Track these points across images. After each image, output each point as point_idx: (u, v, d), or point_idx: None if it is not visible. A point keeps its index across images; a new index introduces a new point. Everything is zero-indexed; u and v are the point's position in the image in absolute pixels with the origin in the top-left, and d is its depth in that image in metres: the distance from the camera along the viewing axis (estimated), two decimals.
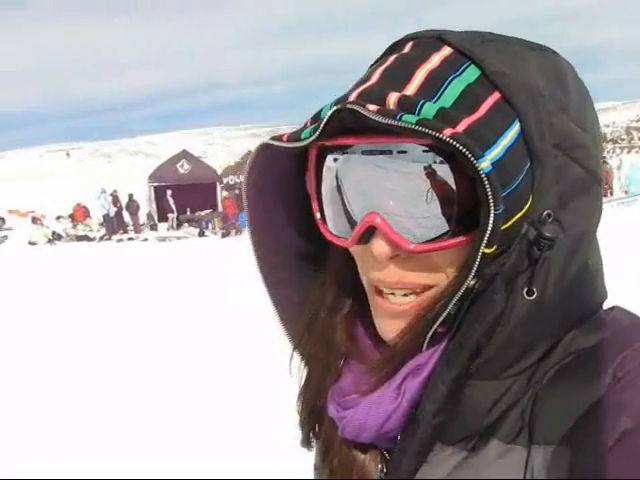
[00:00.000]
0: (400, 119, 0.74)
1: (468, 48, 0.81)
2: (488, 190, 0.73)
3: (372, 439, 0.89)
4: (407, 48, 0.86)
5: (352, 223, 0.85)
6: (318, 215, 0.90)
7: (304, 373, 1.01)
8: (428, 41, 0.85)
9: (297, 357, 1.02)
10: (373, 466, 0.93)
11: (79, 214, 34.25)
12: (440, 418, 0.81)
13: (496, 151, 0.76)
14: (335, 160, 0.85)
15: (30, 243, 28.09)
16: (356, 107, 0.77)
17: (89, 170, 63.89)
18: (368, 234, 0.82)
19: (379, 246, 0.81)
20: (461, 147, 0.72)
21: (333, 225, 0.88)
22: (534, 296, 0.79)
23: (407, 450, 0.85)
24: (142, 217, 34.44)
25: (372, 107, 0.76)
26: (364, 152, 0.81)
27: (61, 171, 61.72)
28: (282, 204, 0.99)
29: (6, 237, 29.43)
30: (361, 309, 0.95)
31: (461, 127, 0.75)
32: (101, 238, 30.44)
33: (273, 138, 0.89)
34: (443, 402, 0.80)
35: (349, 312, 0.98)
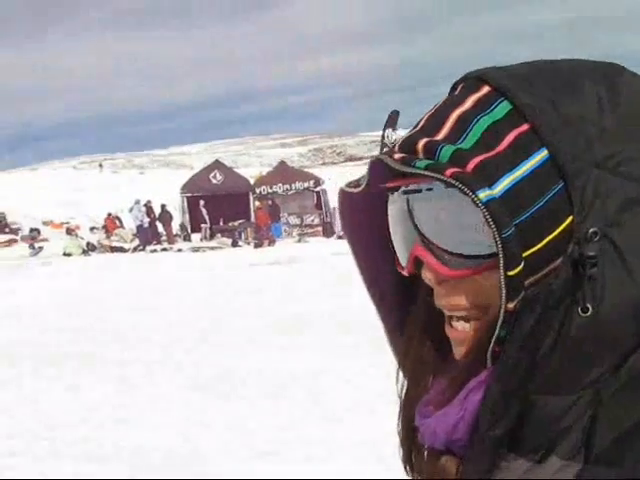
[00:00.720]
0: (414, 166, 0.82)
1: (506, 85, 0.84)
2: (488, 217, 0.78)
3: (444, 445, 0.93)
4: (457, 90, 0.91)
5: (407, 255, 0.93)
6: (392, 247, 0.98)
7: (404, 391, 1.06)
8: (471, 82, 0.89)
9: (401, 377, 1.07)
10: (452, 470, 0.95)
11: (111, 225, 34.63)
12: (497, 429, 0.84)
13: (510, 179, 0.81)
14: (389, 199, 0.94)
15: (65, 254, 28.42)
16: (384, 158, 0.87)
17: (122, 181, 64.48)
18: (419, 264, 0.91)
19: (426, 273, 0.90)
20: (457, 183, 0.79)
21: (400, 257, 0.96)
22: (589, 313, 0.79)
23: (472, 459, 0.89)
24: (175, 228, 34.82)
25: (397, 156, 0.85)
26: (404, 192, 0.90)
27: (94, 182, 62.29)
28: (375, 239, 1.04)
29: (41, 248, 29.78)
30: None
31: (470, 165, 0.81)
32: (135, 249, 30.75)
33: (347, 185, 0.99)
34: (495, 416, 0.83)
35: (438, 332, 1.00)
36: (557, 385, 0.82)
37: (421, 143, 0.85)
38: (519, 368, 0.82)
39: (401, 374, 1.07)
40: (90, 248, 30.08)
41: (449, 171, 0.79)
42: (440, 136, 0.85)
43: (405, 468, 1.09)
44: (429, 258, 0.88)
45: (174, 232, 34.20)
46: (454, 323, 0.92)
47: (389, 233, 1.00)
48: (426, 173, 0.81)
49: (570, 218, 0.80)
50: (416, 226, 0.90)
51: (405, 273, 0.94)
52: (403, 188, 0.90)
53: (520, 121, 0.82)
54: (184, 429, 6.99)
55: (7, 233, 33.92)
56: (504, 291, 0.80)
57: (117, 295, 16.63)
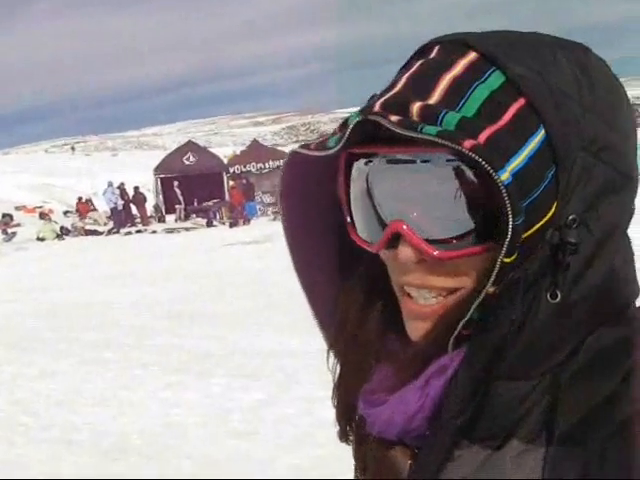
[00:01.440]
0: (421, 131, 0.76)
1: (492, 53, 0.81)
2: (507, 202, 0.74)
3: (399, 435, 0.90)
4: (433, 53, 0.86)
5: (379, 229, 0.87)
6: (348, 219, 0.92)
7: (337, 370, 1.03)
8: (454, 46, 0.85)
9: (332, 355, 1.04)
10: (403, 461, 0.94)
11: (83, 208, 34.37)
12: (462, 418, 0.82)
13: (518, 160, 0.77)
14: (362, 168, 0.87)
15: (39, 239, 28.19)
16: (379, 119, 0.79)
17: (95, 163, 63.97)
18: (394, 240, 0.84)
19: (405, 252, 0.83)
20: (480, 160, 0.73)
21: (362, 230, 0.91)
22: (557, 299, 0.78)
23: (432, 448, 0.86)
24: (149, 209, 34.54)
25: (394, 118, 0.78)
26: (389, 161, 0.83)
27: (67, 166, 61.77)
28: (316, 208, 1.00)
29: (15, 234, 29.52)
30: (392, 310, 0.96)
31: (482, 137, 0.76)
32: (109, 232, 30.52)
33: (302, 147, 0.91)
34: (463, 403, 0.81)
35: (380, 312, 0.99)
36: (518, 371, 0.81)
37: (416, 105, 0.79)
38: (489, 354, 0.80)
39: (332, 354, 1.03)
40: (64, 232, 29.82)
41: (467, 142, 0.74)
42: (432, 100, 0.80)
43: (344, 441, 1.06)
44: (413, 237, 0.82)
45: (148, 214, 33.98)
46: (415, 296, 0.88)
47: (334, 205, 0.95)
48: (440, 141, 0.75)
49: (555, 204, 0.79)
50: (400, 201, 0.84)
51: (373, 250, 0.89)
52: (388, 157, 0.83)
53: (516, 94, 0.79)
54: (161, 410, 6.98)
55: None
56: (494, 276, 0.78)
57: (91, 278, 16.53)
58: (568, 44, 0.86)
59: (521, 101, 0.79)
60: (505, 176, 0.73)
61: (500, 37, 0.85)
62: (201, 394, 7.35)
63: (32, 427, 6.83)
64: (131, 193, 33.33)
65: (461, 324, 0.82)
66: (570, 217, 0.79)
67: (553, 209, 0.79)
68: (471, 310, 0.81)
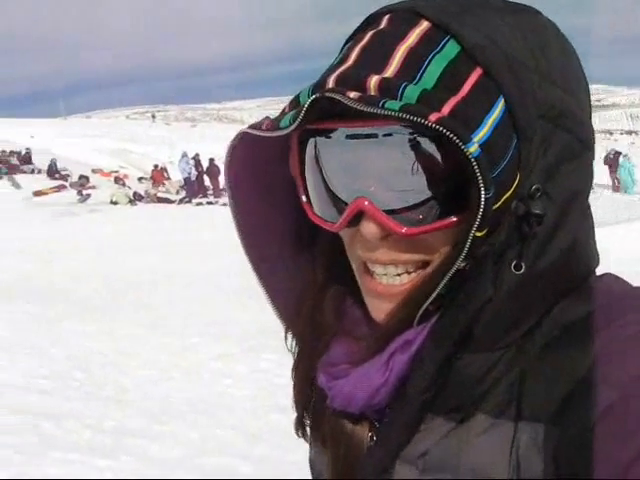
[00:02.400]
0: (383, 106, 0.73)
1: (445, 22, 0.79)
2: (478, 174, 0.72)
3: (361, 409, 0.89)
4: (383, 23, 0.83)
5: (339, 207, 0.84)
6: (304, 198, 0.90)
7: (295, 354, 1.02)
8: (404, 15, 0.82)
9: (290, 338, 1.03)
10: (362, 435, 0.93)
11: (157, 176, 34.77)
12: (428, 394, 0.82)
13: (483, 131, 0.75)
14: (318, 145, 0.84)
15: (112, 202, 28.61)
16: (336, 95, 0.75)
17: (173, 133, 64.67)
18: (357, 217, 0.81)
19: (369, 228, 0.81)
20: (448, 132, 0.71)
21: (320, 209, 0.88)
22: (522, 270, 0.78)
23: (396, 422, 0.86)
24: (222, 182, 34.50)
25: (352, 94, 0.75)
26: (348, 136, 0.80)
27: (146, 133, 62.59)
28: (267, 191, 0.98)
29: (89, 195, 30.01)
30: (350, 287, 0.95)
31: (446, 109, 0.74)
32: (181, 201, 30.81)
33: (252, 127, 0.87)
34: (431, 379, 0.81)
35: (337, 291, 0.98)
36: (482, 343, 0.81)
37: (373, 79, 0.76)
38: (457, 328, 0.79)
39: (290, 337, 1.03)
40: (137, 198, 30.25)
41: (433, 116, 0.72)
42: (389, 73, 0.77)
43: (297, 432, 1.05)
44: (378, 215, 0.79)
45: (221, 186, 34.19)
46: (378, 276, 0.86)
47: (285, 185, 0.94)
48: (404, 116, 0.72)
49: (519, 175, 0.78)
50: (362, 177, 0.81)
51: (333, 229, 0.86)
52: (346, 132, 0.80)
53: (473, 63, 0.77)
54: (211, 380, 7.09)
55: (57, 179, 34.26)
56: (465, 250, 0.76)
57: (159, 245, 16.77)
58: (518, 8, 0.85)
59: (478, 71, 0.77)
60: (474, 148, 0.72)
61: (451, 4, 0.82)
62: (251, 368, 7.42)
63: (85, 383, 7.01)
64: (206, 165, 33.57)
65: (429, 300, 0.81)
66: (533, 187, 0.78)
67: (517, 180, 0.78)
68: (440, 285, 0.79)
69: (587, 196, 0.87)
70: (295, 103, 0.82)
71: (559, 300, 0.83)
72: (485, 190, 0.72)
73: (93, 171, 38.03)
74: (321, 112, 0.79)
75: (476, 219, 0.74)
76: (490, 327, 0.80)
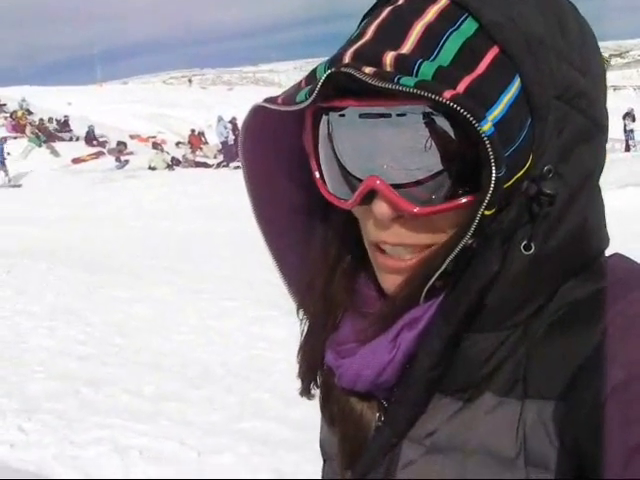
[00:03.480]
0: (398, 82, 0.72)
1: None
2: (490, 153, 0.71)
3: (368, 388, 0.89)
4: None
5: (352, 185, 0.83)
6: (317, 175, 0.88)
7: (305, 327, 1.01)
8: None
9: (301, 313, 1.02)
10: (370, 414, 0.93)
11: (195, 140, 34.90)
12: (435, 372, 0.81)
13: (498, 109, 0.74)
14: (333, 122, 0.83)
15: (150, 168, 28.82)
16: (351, 70, 0.74)
17: (210, 97, 64.78)
18: (369, 196, 0.80)
19: (381, 208, 0.80)
20: (462, 110, 0.70)
21: (333, 186, 0.87)
22: (532, 250, 0.78)
23: (403, 401, 0.86)
24: None
25: (368, 69, 0.74)
26: (362, 115, 0.79)
27: (183, 97, 62.77)
28: (281, 164, 0.97)
29: (127, 162, 30.28)
30: (362, 263, 0.95)
31: (461, 87, 0.72)
32: (218, 165, 30.91)
33: (267, 100, 0.86)
34: (438, 357, 0.80)
35: (349, 267, 0.97)
36: (490, 322, 0.81)
37: (389, 55, 0.74)
38: (466, 307, 0.79)
39: (301, 312, 1.02)
40: (174, 163, 30.43)
41: (447, 93, 0.70)
42: (406, 49, 0.76)
43: (302, 396, 1.04)
44: (390, 194, 0.78)
45: None
46: (389, 251, 0.85)
47: (299, 160, 0.93)
48: (419, 92, 0.71)
49: (532, 155, 0.78)
50: (375, 156, 0.79)
51: (346, 206, 0.85)
52: (360, 110, 0.79)
53: (490, 41, 0.76)
54: (248, 343, 7.13)
55: (95, 146, 34.57)
56: (473, 228, 0.76)
57: (197, 209, 16.87)
58: None
59: (496, 49, 0.76)
60: (487, 126, 0.71)
61: None
62: (288, 331, 7.43)
63: (123, 349, 7.10)
64: None
65: (435, 276, 0.81)
66: (546, 167, 0.77)
67: (530, 160, 0.78)
68: (446, 262, 0.79)
69: (598, 178, 0.86)
70: (312, 78, 0.81)
71: (568, 280, 0.83)
72: (496, 169, 0.71)
73: (131, 137, 38.35)
74: (337, 87, 0.78)
75: (485, 197, 0.73)
76: (498, 307, 0.80)
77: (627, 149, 30.17)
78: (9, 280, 9.99)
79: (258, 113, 0.89)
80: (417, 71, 0.73)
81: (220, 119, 33.15)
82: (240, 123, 0.93)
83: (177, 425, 5.27)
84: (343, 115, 0.81)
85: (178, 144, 37.17)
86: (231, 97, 64.07)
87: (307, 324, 1.01)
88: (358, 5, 0.84)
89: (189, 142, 35.52)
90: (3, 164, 27.69)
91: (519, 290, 0.80)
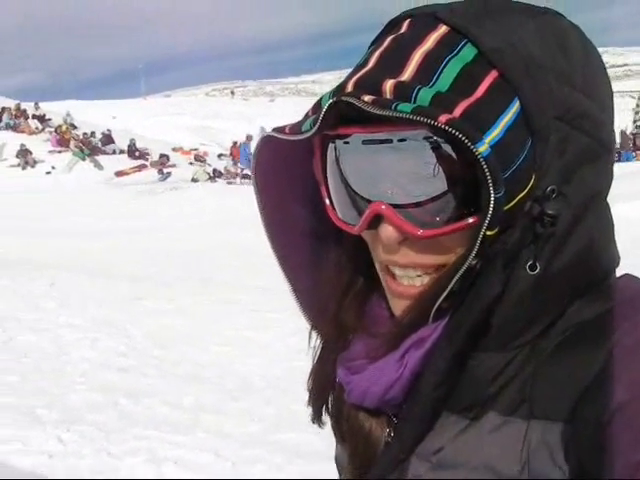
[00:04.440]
0: (395, 109, 0.74)
1: (463, 26, 0.79)
2: (487, 174, 0.72)
3: (376, 404, 0.91)
4: (403, 28, 0.84)
5: (359, 210, 0.85)
6: (327, 201, 0.91)
7: (317, 351, 1.04)
8: (424, 20, 0.83)
9: (315, 337, 1.05)
10: (379, 430, 0.95)
11: (236, 153, 35.13)
12: (441, 390, 0.83)
13: (496, 132, 0.75)
14: (339, 150, 0.85)
15: (192, 180, 29.07)
16: (351, 99, 0.77)
17: (252, 109, 65.25)
18: (376, 220, 0.83)
19: (387, 232, 0.82)
20: (457, 133, 0.72)
21: (342, 212, 0.89)
22: (537, 271, 0.78)
23: (410, 418, 0.87)
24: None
25: (367, 98, 0.76)
26: (365, 142, 0.81)
27: (225, 109, 63.34)
28: (293, 190, 1.00)
29: (169, 174, 30.57)
30: (373, 285, 0.97)
31: (458, 111, 0.74)
32: None
33: (275, 130, 0.89)
34: (443, 376, 0.82)
35: (361, 290, 0.99)
36: (496, 343, 0.82)
37: (389, 83, 0.77)
38: (470, 327, 0.80)
39: (314, 334, 1.05)
40: (216, 175, 30.67)
41: (443, 117, 0.73)
42: (405, 77, 0.78)
43: (314, 422, 1.07)
44: (395, 217, 0.81)
45: None
46: (399, 278, 0.88)
47: (309, 186, 0.96)
48: (415, 118, 0.73)
49: (534, 175, 0.79)
50: (379, 181, 0.82)
51: (354, 231, 0.87)
52: (363, 137, 0.81)
53: (489, 66, 0.78)
54: (287, 355, 7.11)
55: (137, 158, 34.95)
56: (475, 250, 0.77)
57: (238, 221, 16.96)
58: (539, 11, 0.85)
59: (494, 73, 0.77)
60: (483, 148, 0.72)
61: (469, 7, 0.83)
62: None
63: (163, 361, 7.14)
64: None
65: (441, 298, 0.82)
66: (548, 188, 0.78)
67: (532, 180, 0.79)
68: (452, 283, 0.80)
69: (605, 197, 0.87)
70: (317, 107, 0.83)
71: (576, 300, 0.83)
72: (495, 190, 0.73)
73: (173, 149, 38.70)
74: (341, 116, 0.80)
75: (486, 218, 0.74)
76: (504, 327, 0.81)
77: None
78: (52, 292, 10.10)
79: (270, 141, 0.92)
80: (415, 97, 0.75)
81: (262, 130, 33.32)
82: None
83: (215, 437, 5.28)
84: (348, 142, 0.84)
85: (220, 156, 37.48)
86: (273, 108, 64.42)
87: (319, 346, 1.04)
88: (396, 13, 0.86)
89: (231, 154, 35.78)
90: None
91: (525, 310, 0.80)
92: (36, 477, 4.66)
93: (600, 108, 0.84)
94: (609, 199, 0.87)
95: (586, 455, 0.71)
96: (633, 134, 30.12)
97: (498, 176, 0.73)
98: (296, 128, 0.85)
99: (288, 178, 0.99)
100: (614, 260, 0.89)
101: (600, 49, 0.89)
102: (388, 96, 0.76)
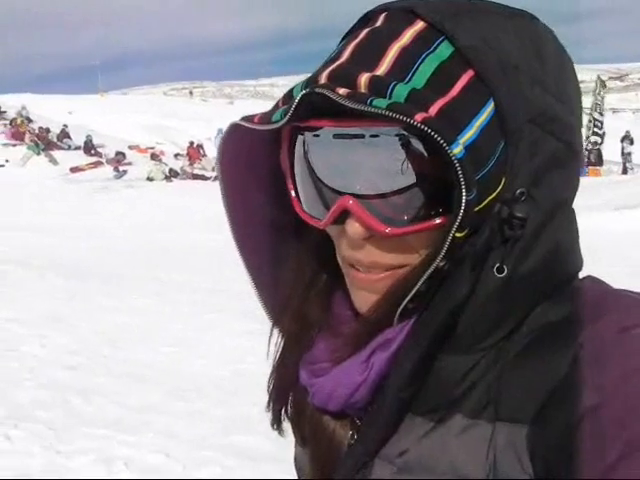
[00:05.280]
0: (370, 104, 0.72)
1: (440, 22, 0.78)
2: (460, 175, 0.71)
3: (341, 407, 0.89)
4: (379, 21, 0.83)
5: (326, 205, 0.84)
6: (293, 193, 0.90)
7: (279, 349, 1.01)
8: (400, 14, 0.82)
9: (276, 334, 1.02)
10: (342, 433, 0.94)
11: (193, 153, 34.94)
12: (407, 392, 0.82)
13: (470, 133, 0.75)
14: (308, 142, 0.84)
15: (148, 179, 28.82)
16: (325, 91, 0.75)
17: (210, 110, 64.93)
18: (343, 216, 0.81)
19: (353, 228, 0.80)
20: (433, 132, 0.70)
21: (307, 205, 0.88)
22: (504, 273, 0.78)
23: (375, 421, 0.86)
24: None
25: (342, 91, 0.74)
26: (336, 136, 0.79)
27: (184, 109, 62.95)
28: (257, 182, 0.98)
29: (125, 172, 30.28)
30: (337, 282, 0.95)
31: (433, 109, 0.73)
32: (216, 178, 30.66)
33: (244, 119, 0.86)
34: (409, 378, 0.81)
35: (324, 286, 0.98)
36: (462, 345, 0.81)
37: (364, 77, 0.75)
38: (437, 328, 0.79)
39: (275, 332, 1.01)
40: (172, 174, 30.45)
41: (419, 115, 0.71)
42: (380, 71, 0.76)
43: (273, 426, 1.04)
44: (363, 214, 0.79)
45: None
46: (363, 272, 0.85)
47: (274, 178, 0.94)
48: (391, 114, 0.71)
49: (504, 178, 0.78)
50: (348, 176, 0.80)
51: (319, 226, 0.86)
52: (334, 131, 0.79)
53: (465, 65, 0.77)
54: (233, 356, 7.09)
55: (93, 155, 34.57)
56: (444, 251, 0.76)
57: (190, 222, 16.87)
58: (516, 13, 0.84)
59: (470, 72, 0.77)
60: (458, 149, 0.71)
61: (448, 5, 0.82)
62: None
63: (112, 359, 7.08)
64: None
65: (408, 298, 0.81)
66: (518, 191, 0.78)
67: (502, 183, 0.78)
68: (418, 284, 0.79)
69: (572, 202, 0.87)
70: (288, 97, 0.82)
71: (540, 303, 0.83)
72: (467, 191, 0.72)
73: (130, 147, 38.33)
74: (313, 108, 0.78)
75: (456, 219, 0.73)
76: (470, 329, 0.80)
77: (624, 172, 30.31)
78: (0, 288, 9.96)
79: (236, 130, 0.89)
80: (391, 93, 0.74)
81: (219, 132, 33.17)
82: None
83: (164, 438, 5.25)
84: (318, 135, 0.82)
85: (177, 156, 37.21)
86: (231, 110, 64.10)
87: (281, 344, 1.01)
88: (351, 19, 0.85)
89: (187, 154, 35.56)
90: None
91: (491, 312, 0.80)
92: None
93: (570, 112, 0.84)
94: None
95: (553, 458, 0.71)
96: (587, 150, 30.56)
97: (471, 178, 0.72)
98: (266, 118, 0.83)
99: (253, 168, 0.96)
100: (578, 263, 0.89)
101: None
102: (363, 90, 0.75)
